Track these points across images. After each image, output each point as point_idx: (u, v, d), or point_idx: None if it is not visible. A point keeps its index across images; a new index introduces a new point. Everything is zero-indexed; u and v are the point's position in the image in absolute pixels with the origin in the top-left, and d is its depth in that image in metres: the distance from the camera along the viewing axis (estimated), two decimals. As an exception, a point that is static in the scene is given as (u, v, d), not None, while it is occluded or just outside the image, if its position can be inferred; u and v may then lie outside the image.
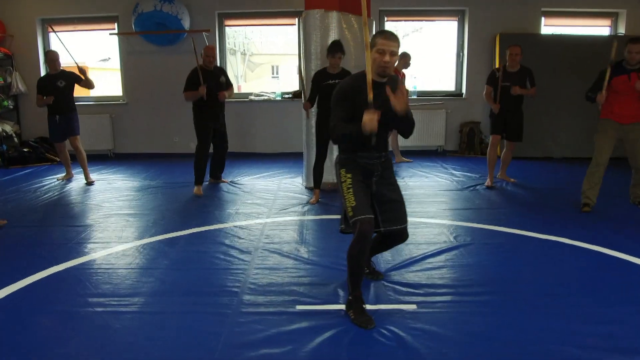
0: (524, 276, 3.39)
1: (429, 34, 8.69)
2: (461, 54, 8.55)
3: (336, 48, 5.04)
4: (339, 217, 4.73)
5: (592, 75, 5.01)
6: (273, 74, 15.84)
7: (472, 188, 5.94)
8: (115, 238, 4.19)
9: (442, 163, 7.66)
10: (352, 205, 2.71)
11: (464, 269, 3.50)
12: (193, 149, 5.86)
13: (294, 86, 8.65)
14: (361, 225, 2.65)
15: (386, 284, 3.22)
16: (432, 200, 5.42)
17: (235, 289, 3.15)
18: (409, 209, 3.07)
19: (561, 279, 3.32)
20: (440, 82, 8.92)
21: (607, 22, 8.46)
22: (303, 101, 5.54)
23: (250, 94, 8.63)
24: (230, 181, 6.45)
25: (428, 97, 8.51)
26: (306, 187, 5.99)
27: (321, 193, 5.47)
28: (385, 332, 2.62)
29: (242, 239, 4.14)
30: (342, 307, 2.88)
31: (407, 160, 7.81)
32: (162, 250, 3.88)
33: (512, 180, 6.28)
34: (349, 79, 2.85)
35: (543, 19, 8.34)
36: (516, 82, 5.70)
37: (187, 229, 4.41)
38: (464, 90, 8.58)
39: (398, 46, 2.70)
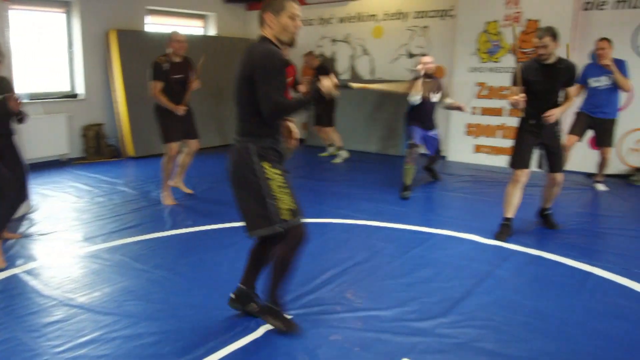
0: (361, 260, 3.87)
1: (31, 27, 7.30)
2: (71, 50, 7.71)
3: None
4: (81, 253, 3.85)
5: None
6: None
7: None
8: None
9: (85, 173, 6.89)
10: (292, 208, 2.53)
11: (310, 271, 3.63)
12: None
13: None
14: (302, 229, 2.56)
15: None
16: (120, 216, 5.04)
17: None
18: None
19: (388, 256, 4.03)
20: (53, 82, 7.76)
21: (201, 23, 9.37)
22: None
23: None
24: None
25: (43, 100, 7.32)
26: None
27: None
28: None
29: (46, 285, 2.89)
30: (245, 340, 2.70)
31: (189, 191, 5.86)
32: None
33: (189, 190, 5.81)
34: (276, 50, 2.49)
35: (149, 17, 8.46)
36: (186, 73, 5.27)
37: None
38: (81, 91, 7.81)
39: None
